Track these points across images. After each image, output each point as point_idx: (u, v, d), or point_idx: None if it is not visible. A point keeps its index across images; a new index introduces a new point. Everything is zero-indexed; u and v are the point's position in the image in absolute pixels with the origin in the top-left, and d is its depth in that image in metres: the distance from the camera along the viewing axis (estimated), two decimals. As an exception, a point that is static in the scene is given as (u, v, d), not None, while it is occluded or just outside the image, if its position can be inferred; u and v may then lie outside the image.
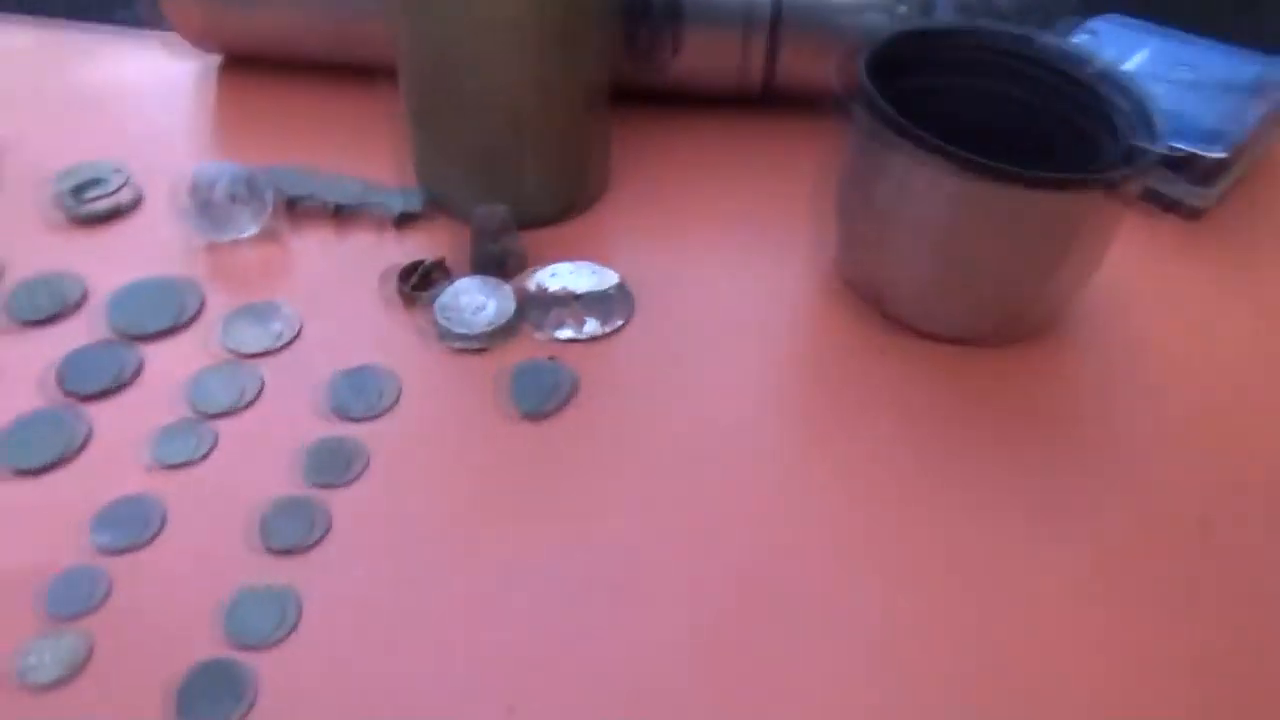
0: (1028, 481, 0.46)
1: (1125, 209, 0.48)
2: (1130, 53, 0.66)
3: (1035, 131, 0.51)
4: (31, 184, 0.58)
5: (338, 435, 0.45)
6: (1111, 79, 0.50)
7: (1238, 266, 0.59)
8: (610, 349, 0.51)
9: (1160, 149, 0.45)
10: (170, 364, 0.48)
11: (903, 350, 0.51)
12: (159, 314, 0.50)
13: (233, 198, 0.53)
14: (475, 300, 0.51)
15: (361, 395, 0.47)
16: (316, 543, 0.41)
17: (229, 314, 0.51)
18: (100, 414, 0.46)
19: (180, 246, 0.55)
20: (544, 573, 0.41)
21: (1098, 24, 0.69)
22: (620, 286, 0.53)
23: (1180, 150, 0.57)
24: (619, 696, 0.38)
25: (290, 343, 0.50)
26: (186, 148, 0.62)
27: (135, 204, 0.57)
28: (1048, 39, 0.52)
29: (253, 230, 0.54)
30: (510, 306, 0.51)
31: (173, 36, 0.69)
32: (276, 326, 0.50)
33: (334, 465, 0.44)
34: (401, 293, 0.52)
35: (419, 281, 0.52)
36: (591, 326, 0.51)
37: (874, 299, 0.53)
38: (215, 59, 0.70)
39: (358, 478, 0.44)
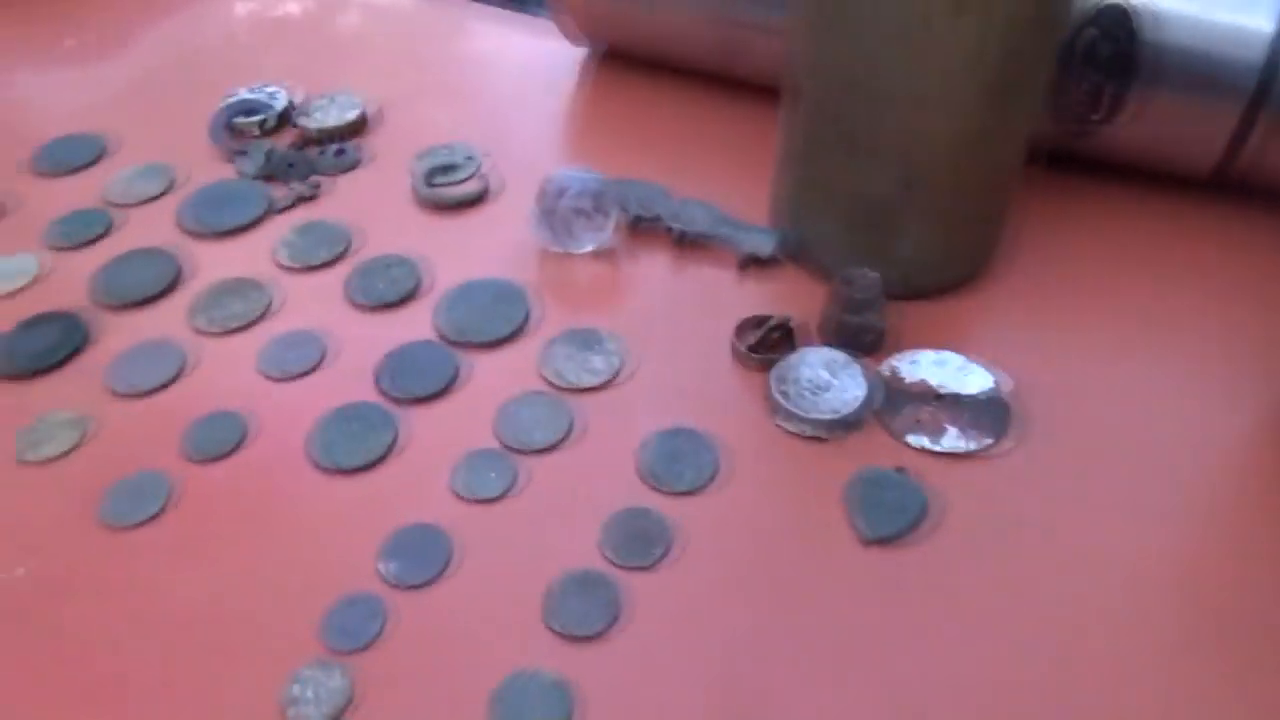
0: None
1: None
2: None
3: None
4: (395, 158, 0.58)
5: (645, 507, 0.40)
6: None
7: None
8: (973, 471, 0.42)
9: None
10: (488, 380, 0.45)
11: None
12: (489, 323, 0.47)
13: (577, 211, 0.49)
14: (819, 376, 0.44)
15: (677, 464, 0.41)
16: (603, 632, 0.36)
17: (553, 338, 0.47)
18: (411, 419, 0.43)
19: (517, 249, 0.52)
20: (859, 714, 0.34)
21: None
22: (994, 392, 0.44)
23: None
24: None
25: (610, 382, 0.45)
26: (541, 143, 0.60)
27: (482, 195, 0.55)
28: None
29: (589, 247, 0.50)
30: (861, 394, 0.43)
31: (546, 25, 0.67)
32: (598, 362, 0.45)
33: (638, 543, 0.39)
34: (736, 348, 0.46)
35: (759, 341, 0.45)
36: (952, 439, 0.42)
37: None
38: (581, 53, 0.67)
39: (660, 561, 0.38)
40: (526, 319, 0.48)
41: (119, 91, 0.64)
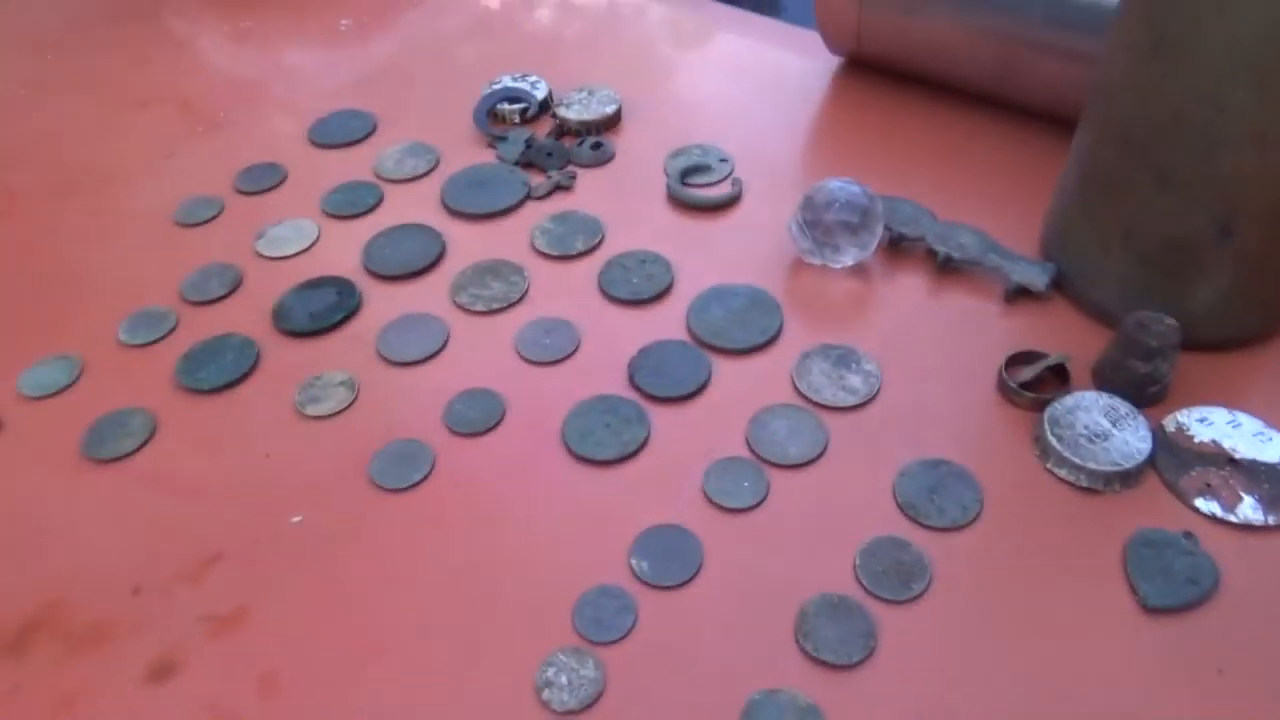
0: None
1: None
2: None
3: None
4: (647, 155, 0.58)
5: (901, 538, 0.38)
6: None
7: None
8: (1270, 547, 0.38)
9: None
10: (740, 387, 0.45)
11: None
12: (741, 329, 0.47)
13: (842, 223, 0.48)
14: (1097, 424, 0.41)
15: (938, 498, 0.40)
16: (859, 663, 0.35)
17: (807, 350, 0.46)
18: (662, 417, 0.43)
19: (768, 257, 0.51)
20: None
21: None
22: (1298, 464, 0.40)
23: None
24: None
25: (867, 403, 0.44)
26: (792, 153, 0.59)
27: (735, 200, 0.55)
28: None
29: (848, 262, 0.49)
30: (1145, 448, 0.40)
31: (810, 36, 0.66)
32: (856, 381, 0.44)
33: (896, 576, 0.37)
34: (1005, 384, 0.43)
35: (1032, 379, 0.43)
36: (1249, 509, 0.39)
37: None
38: (835, 61, 0.66)
39: (917, 598, 0.37)
40: (779, 329, 0.47)
41: (385, 70, 0.68)
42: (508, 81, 0.63)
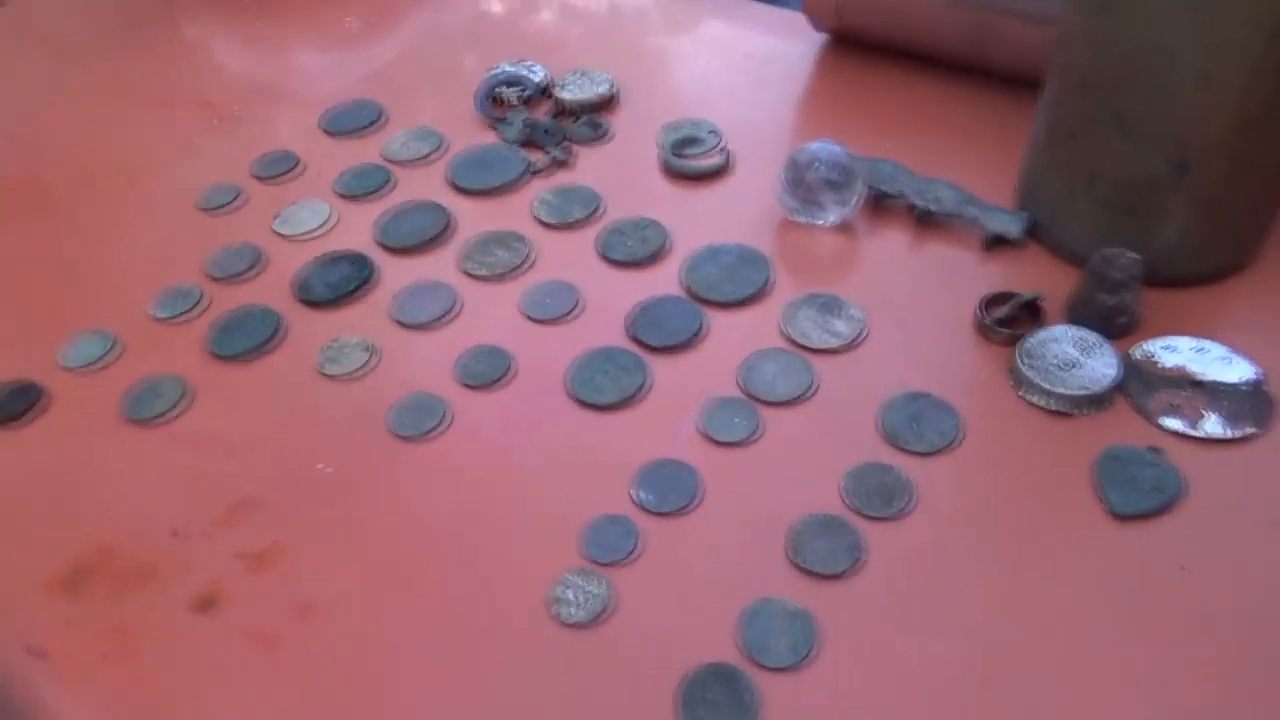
0: None
1: None
2: None
3: None
4: (641, 132, 0.62)
5: (885, 463, 0.41)
6: None
7: None
8: (1234, 458, 0.40)
9: None
10: (731, 335, 0.48)
11: None
12: (732, 283, 0.49)
13: (825, 182, 0.51)
14: (1067, 354, 0.44)
15: (918, 426, 0.42)
16: (844, 573, 0.38)
17: (794, 300, 0.49)
18: (660, 366, 0.46)
19: (757, 218, 0.54)
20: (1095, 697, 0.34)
21: None
22: (1258, 384, 0.42)
23: None
24: None
25: (851, 345, 0.46)
26: (778, 124, 0.62)
27: (724, 168, 0.58)
28: None
29: (832, 219, 0.52)
30: (1111, 373, 0.42)
31: (795, 17, 0.69)
32: (840, 325, 0.47)
33: (877, 495, 0.40)
34: (981, 323, 0.46)
35: (1006, 316, 0.46)
36: (1212, 425, 0.41)
37: None
38: (818, 41, 0.69)
39: (900, 515, 0.39)
40: (768, 282, 0.50)
41: (391, 65, 0.71)
42: (506, 67, 0.66)
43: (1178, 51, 0.39)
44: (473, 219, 0.56)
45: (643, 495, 0.41)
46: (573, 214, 0.55)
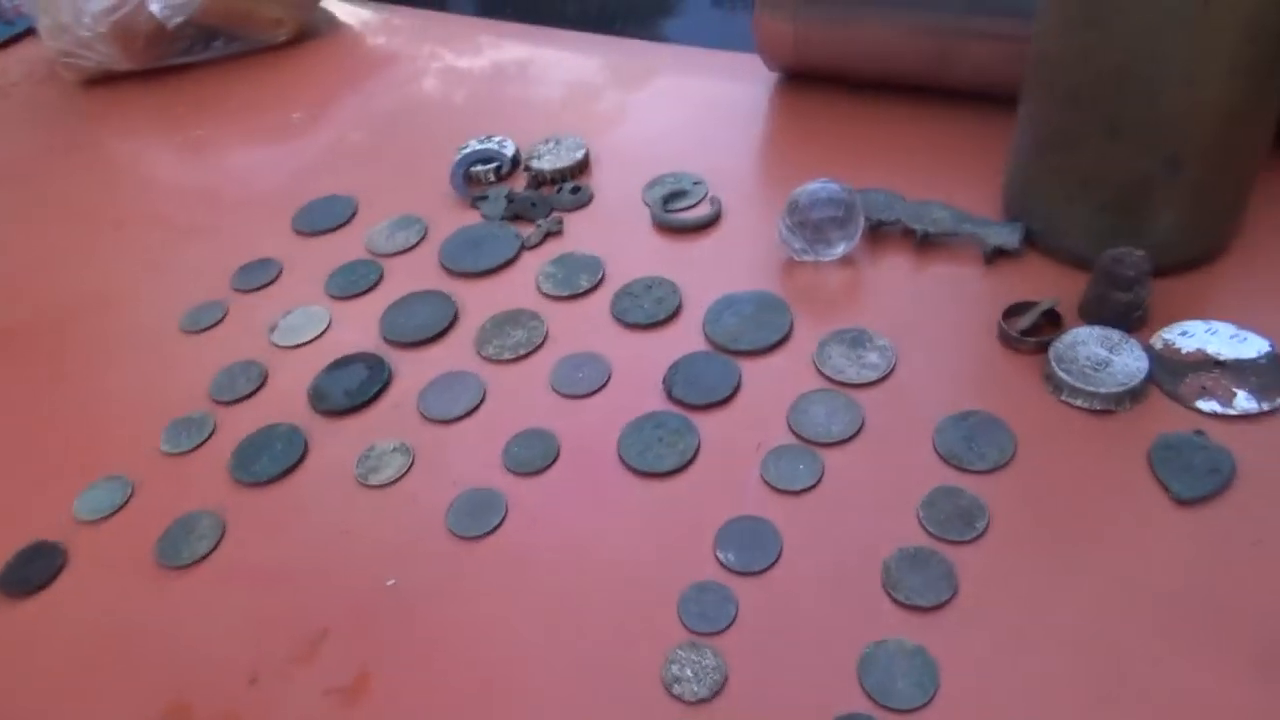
0: None
1: None
2: None
3: None
4: (622, 191, 0.62)
5: (953, 485, 0.42)
6: None
7: None
8: (1274, 429, 0.43)
9: None
10: (770, 382, 0.48)
11: None
12: (758, 331, 0.50)
13: (831, 219, 0.52)
14: (1096, 354, 0.45)
15: (975, 444, 0.43)
16: (946, 602, 0.38)
17: (823, 338, 0.49)
18: (707, 425, 0.46)
19: (760, 262, 0.55)
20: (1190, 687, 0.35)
21: None
22: (1275, 355, 0.45)
23: None
24: None
25: (888, 376, 0.47)
26: (753, 166, 0.63)
27: (717, 217, 0.58)
28: None
29: (838, 253, 0.53)
30: (1144, 366, 0.44)
31: (744, 59, 0.71)
32: (873, 357, 0.48)
33: (956, 519, 0.41)
34: (1005, 335, 0.47)
35: (1031, 326, 0.47)
36: (1244, 401, 0.43)
37: None
38: (770, 80, 0.70)
39: (982, 535, 0.40)
40: (790, 325, 0.50)
41: (350, 154, 0.70)
42: (475, 144, 0.66)
43: (1165, 59, 0.42)
44: (477, 302, 0.55)
45: (728, 557, 0.41)
46: (579, 283, 0.55)
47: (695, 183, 0.61)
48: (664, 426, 0.46)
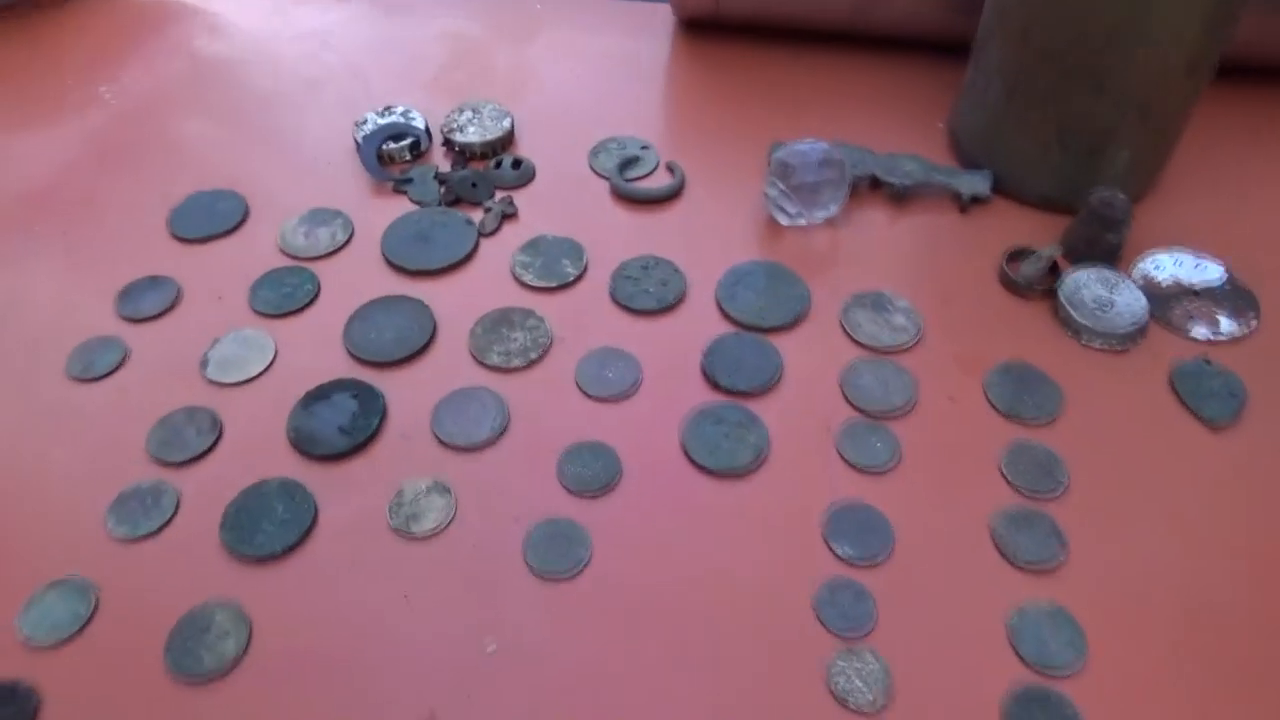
0: None
1: None
2: None
3: None
4: (562, 160, 0.57)
5: (1025, 441, 0.43)
6: None
7: None
8: (1261, 347, 0.47)
9: None
10: (807, 357, 0.46)
11: None
12: (782, 305, 0.48)
13: (827, 181, 0.50)
14: (1099, 295, 0.48)
15: (1028, 397, 0.45)
16: (1061, 561, 0.39)
17: (845, 304, 0.48)
18: (767, 412, 0.44)
19: (746, 230, 0.53)
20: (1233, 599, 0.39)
21: None
22: (1233, 279, 0.50)
23: None
24: None
25: (920, 336, 0.47)
26: (693, 125, 0.60)
27: (683, 185, 0.55)
28: None
29: (830, 214, 0.52)
30: (1144, 301, 0.48)
31: (639, 8, 0.67)
32: (899, 319, 0.48)
33: (1039, 473, 0.42)
34: (1012, 283, 0.49)
35: (1037, 273, 0.49)
36: (1227, 325, 0.48)
37: None
38: (667, 31, 0.67)
39: (1067, 487, 0.42)
40: (809, 295, 0.49)
41: (200, 138, 0.58)
42: (374, 118, 0.57)
43: (1149, 19, 0.44)
44: (450, 304, 0.49)
45: (845, 550, 0.39)
46: (564, 271, 0.50)
47: (643, 147, 0.57)
48: (725, 420, 0.43)
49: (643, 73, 0.64)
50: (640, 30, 0.67)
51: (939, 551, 0.40)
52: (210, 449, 0.43)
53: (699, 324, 0.48)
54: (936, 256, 0.52)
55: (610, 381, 0.45)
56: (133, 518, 0.40)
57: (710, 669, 0.36)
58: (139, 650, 0.36)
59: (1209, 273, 0.50)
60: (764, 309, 0.48)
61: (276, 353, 0.46)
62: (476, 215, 0.53)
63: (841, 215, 0.53)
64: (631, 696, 0.35)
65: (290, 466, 0.42)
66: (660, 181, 0.55)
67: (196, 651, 0.36)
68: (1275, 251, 0.52)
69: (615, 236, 0.52)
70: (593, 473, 0.42)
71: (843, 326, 0.48)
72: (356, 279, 0.50)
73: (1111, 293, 0.48)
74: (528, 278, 0.50)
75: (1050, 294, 0.49)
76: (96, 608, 0.38)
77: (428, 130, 0.57)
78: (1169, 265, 0.51)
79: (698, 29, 0.67)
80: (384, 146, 0.55)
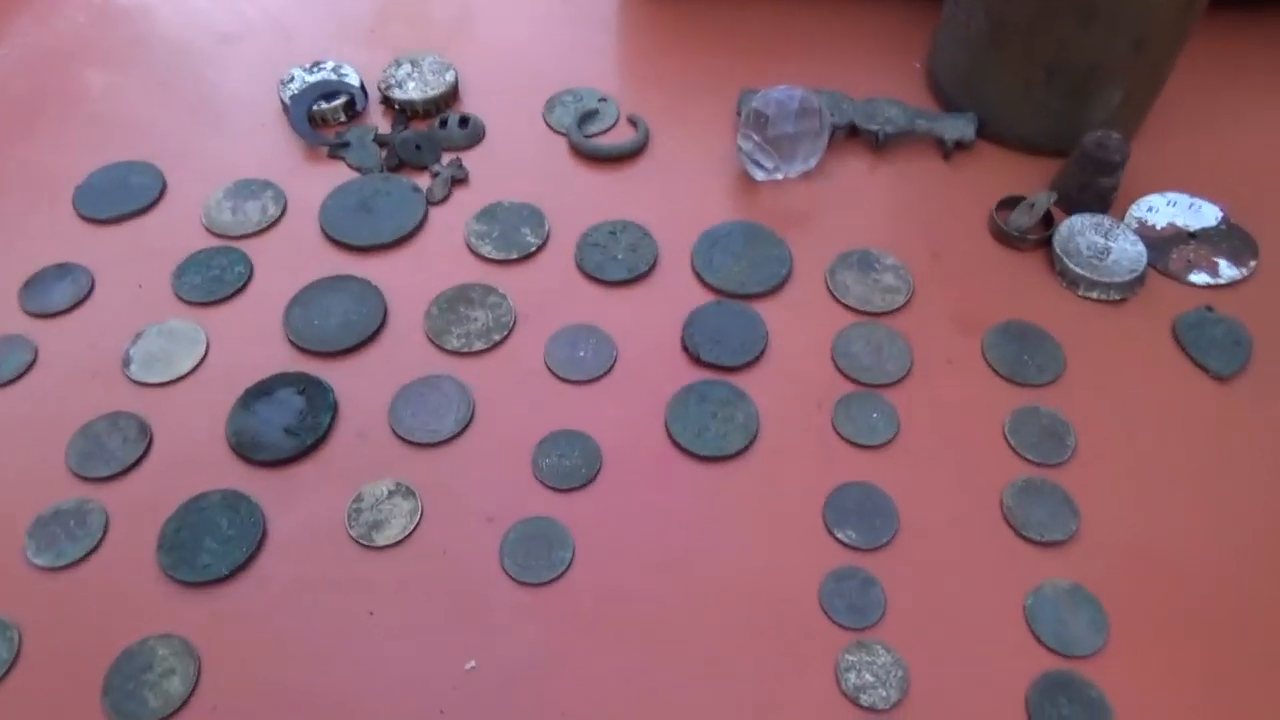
0: None
1: None
2: None
3: None
4: (516, 120, 0.52)
5: (1031, 406, 0.40)
6: None
7: None
8: (1260, 292, 0.45)
9: None
10: (795, 325, 0.43)
11: None
12: (762, 268, 0.44)
13: (806, 131, 0.47)
14: (1095, 242, 0.45)
15: (1028, 357, 0.42)
16: (1075, 533, 0.37)
17: (829, 267, 0.45)
18: (754, 386, 0.41)
19: (717, 186, 0.49)
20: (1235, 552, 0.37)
21: None
22: (1229, 220, 0.48)
23: None
24: None
25: (911, 296, 0.44)
26: (649, 74, 0.55)
27: (647, 140, 0.51)
28: None
29: (809, 166, 0.48)
30: (1142, 249, 0.45)
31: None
32: (889, 279, 0.45)
33: (1046, 440, 0.39)
34: (1004, 234, 0.46)
35: (1031, 224, 0.46)
36: (1226, 269, 0.46)
37: None
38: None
39: (1075, 453, 0.39)
40: (791, 256, 0.45)
41: (103, 97, 0.52)
42: (302, 74, 0.52)
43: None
44: (401, 282, 0.44)
45: (849, 535, 0.36)
46: (525, 240, 0.46)
47: (602, 99, 0.52)
48: (710, 399, 0.40)
49: (596, 17, 0.59)
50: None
51: (947, 530, 0.37)
52: (140, 460, 0.38)
53: (675, 293, 0.44)
54: (923, 208, 0.48)
55: (583, 362, 0.41)
56: (55, 544, 0.35)
57: (710, 675, 0.33)
58: (72, 696, 0.32)
59: (1205, 215, 0.48)
60: (744, 274, 0.44)
61: (208, 346, 0.42)
62: (423, 181, 0.48)
63: (819, 167, 0.50)
64: (626, 712, 0.32)
65: (232, 475, 0.38)
66: (623, 137, 0.51)
67: (139, 693, 0.32)
68: (1270, 188, 0.49)
69: (578, 199, 0.48)
70: (571, 464, 0.38)
71: (829, 289, 0.44)
72: (294, 258, 0.45)
73: (1107, 239, 0.46)
74: (485, 249, 0.45)
75: (1044, 244, 0.46)
76: (19, 650, 0.33)
77: (363, 87, 0.52)
78: (1164, 209, 0.48)
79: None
80: (315, 107, 0.50)
